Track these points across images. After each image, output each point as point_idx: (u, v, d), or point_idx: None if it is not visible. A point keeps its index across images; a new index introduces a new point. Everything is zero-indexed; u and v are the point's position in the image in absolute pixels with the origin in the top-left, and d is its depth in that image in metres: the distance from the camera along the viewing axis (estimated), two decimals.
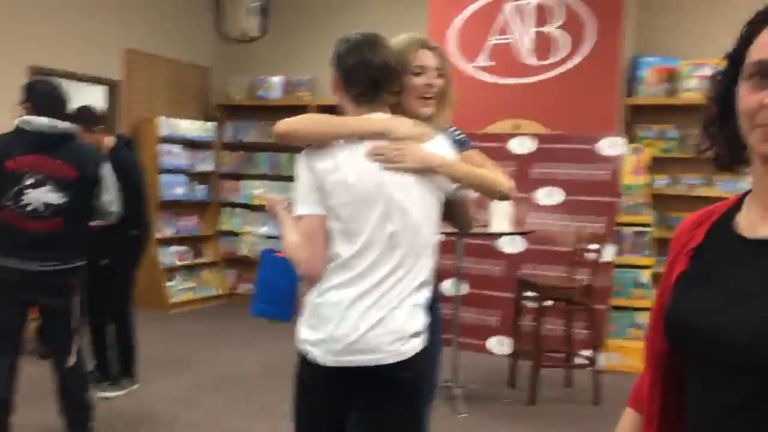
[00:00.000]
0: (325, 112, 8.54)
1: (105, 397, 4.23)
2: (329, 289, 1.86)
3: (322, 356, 1.85)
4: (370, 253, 1.83)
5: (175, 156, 7.14)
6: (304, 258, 1.89)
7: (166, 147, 7.02)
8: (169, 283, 7.02)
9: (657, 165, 5.99)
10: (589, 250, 4.76)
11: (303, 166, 1.89)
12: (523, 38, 6.03)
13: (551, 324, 5.41)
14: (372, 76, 1.87)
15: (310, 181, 1.86)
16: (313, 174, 1.86)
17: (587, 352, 4.88)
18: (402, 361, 1.84)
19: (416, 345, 1.87)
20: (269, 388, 4.68)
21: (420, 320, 1.88)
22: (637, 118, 6.16)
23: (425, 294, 1.91)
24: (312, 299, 1.90)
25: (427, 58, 2.08)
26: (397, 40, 2.12)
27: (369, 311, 1.82)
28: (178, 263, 7.23)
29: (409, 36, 2.14)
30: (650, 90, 6.02)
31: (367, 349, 1.82)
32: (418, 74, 2.05)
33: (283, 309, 2.38)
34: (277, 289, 2.36)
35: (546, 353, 4.85)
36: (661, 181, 6.06)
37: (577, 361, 4.98)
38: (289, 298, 2.35)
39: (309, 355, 1.88)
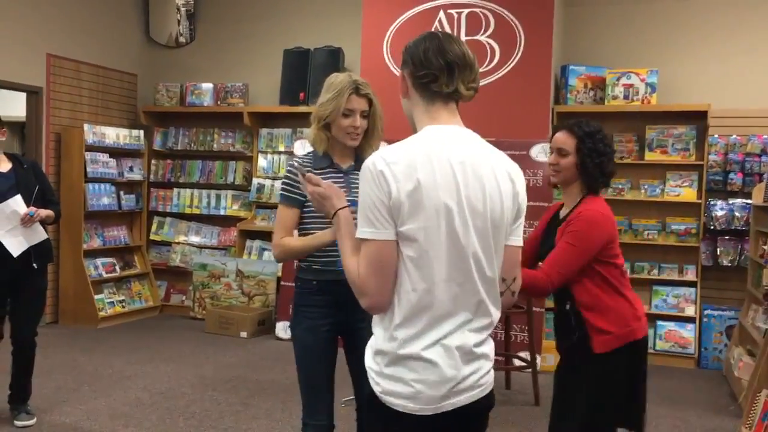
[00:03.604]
0: (258, 119, 8.39)
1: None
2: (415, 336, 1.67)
3: (419, 408, 1.67)
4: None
5: (102, 164, 6.91)
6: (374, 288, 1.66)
7: (91, 155, 6.79)
8: (97, 297, 6.77)
9: None
10: None
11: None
12: None
13: None
14: (447, 60, 1.68)
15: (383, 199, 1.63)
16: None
17: (525, 354, 4.98)
18: (491, 390, 1.79)
19: (493, 371, 1.80)
20: (208, 401, 4.58)
21: (492, 344, 1.79)
22: (565, 124, 6.32)
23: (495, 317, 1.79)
24: (393, 349, 1.67)
25: (356, 103, 2.45)
26: (334, 79, 2.50)
27: (464, 347, 1.70)
28: (106, 275, 6.99)
29: (345, 78, 2.48)
30: (578, 97, 6.21)
31: (468, 387, 1.70)
32: (346, 116, 2.45)
33: None
34: None
35: None
36: None
37: (516, 363, 5.08)
38: None
39: (398, 408, 1.67)
